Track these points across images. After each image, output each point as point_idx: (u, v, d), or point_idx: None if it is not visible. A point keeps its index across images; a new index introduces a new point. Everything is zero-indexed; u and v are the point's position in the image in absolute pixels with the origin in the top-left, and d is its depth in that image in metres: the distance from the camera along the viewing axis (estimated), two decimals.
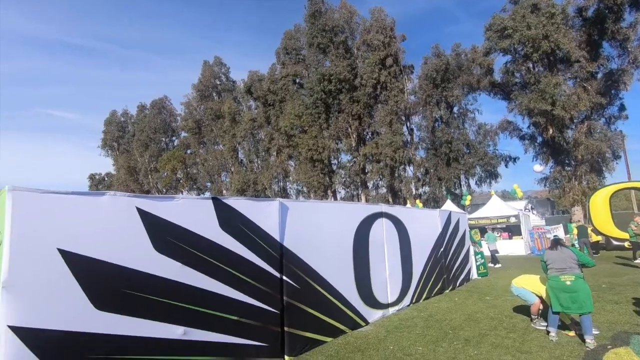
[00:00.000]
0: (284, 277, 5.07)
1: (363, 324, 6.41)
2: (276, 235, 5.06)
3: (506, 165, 32.36)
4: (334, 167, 37.77)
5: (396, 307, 7.43)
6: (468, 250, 11.54)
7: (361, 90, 33.31)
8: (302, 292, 5.30)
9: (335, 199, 36.51)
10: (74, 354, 3.08)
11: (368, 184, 36.62)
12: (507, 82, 29.76)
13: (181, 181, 50.60)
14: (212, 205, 4.37)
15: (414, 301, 8.06)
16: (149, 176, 54.03)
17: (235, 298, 4.40)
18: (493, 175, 32.03)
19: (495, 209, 20.75)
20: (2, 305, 2.79)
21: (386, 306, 7.18)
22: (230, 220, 4.49)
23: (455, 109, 33.33)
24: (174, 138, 58.94)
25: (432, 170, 32.93)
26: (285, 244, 5.17)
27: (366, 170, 35.49)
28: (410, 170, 34.96)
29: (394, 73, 33.44)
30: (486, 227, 18.88)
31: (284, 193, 41.57)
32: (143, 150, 56.17)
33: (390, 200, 33.79)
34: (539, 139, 29.71)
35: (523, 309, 6.73)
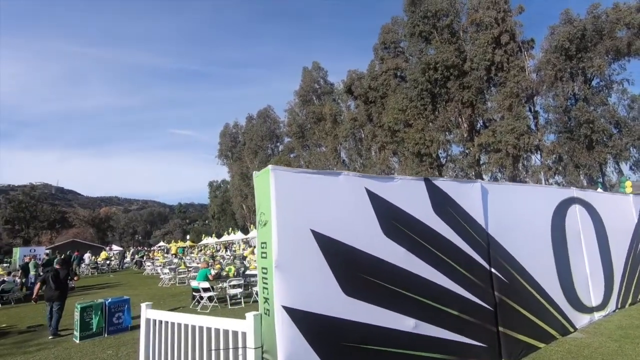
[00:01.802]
0: (493, 270, 4.42)
1: (571, 329, 5.35)
2: (481, 222, 4.45)
3: None
4: (443, 161, 35.34)
5: (602, 313, 6.11)
6: None
7: (472, 74, 30.42)
8: (510, 287, 4.58)
9: None
10: (332, 339, 2.96)
11: (484, 176, 33.24)
12: None
13: None
14: (425, 186, 3.98)
15: (619, 306, 6.57)
16: None
17: (453, 290, 3.92)
18: None
19: None
20: (276, 286, 2.78)
21: (591, 310, 5.94)
22: (441, 203, 4.04)
23: (594, 83, 27.98)
24: (278, 144, 63.04)
25: (566, 157, 28.17)
26: (489, 232, 4.52)
27: (481, 162, 32.29)
28: (537, 158, 30.56)
29: (511, 51, 29.67)
30: None
31: None
32: (253, 157, 61.38)
33: None
34: None
35: None
